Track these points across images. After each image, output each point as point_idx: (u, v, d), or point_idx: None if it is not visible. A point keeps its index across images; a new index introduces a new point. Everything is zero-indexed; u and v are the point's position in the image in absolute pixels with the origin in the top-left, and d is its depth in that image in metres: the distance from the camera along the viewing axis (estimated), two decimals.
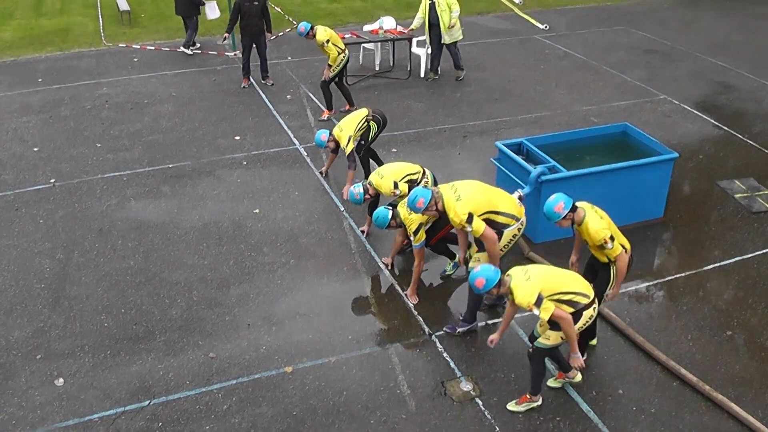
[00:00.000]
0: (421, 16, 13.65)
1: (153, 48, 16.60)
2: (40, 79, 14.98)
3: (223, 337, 7.25)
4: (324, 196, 9.85)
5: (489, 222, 6.85)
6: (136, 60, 15.74)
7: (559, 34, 17.33)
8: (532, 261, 8.30)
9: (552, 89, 13.71)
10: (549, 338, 6.09)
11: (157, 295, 7.87)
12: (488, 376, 6.71)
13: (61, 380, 6.78)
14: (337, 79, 12.14)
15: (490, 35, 17.10)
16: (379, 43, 14.61)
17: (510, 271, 6.09)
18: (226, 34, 13.72)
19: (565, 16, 19.17)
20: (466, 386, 6.61)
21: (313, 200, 9.75)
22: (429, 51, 14.17)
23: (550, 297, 5.84)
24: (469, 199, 6.85)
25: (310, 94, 13.43)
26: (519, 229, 7.08)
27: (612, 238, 6.27)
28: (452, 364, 6.87)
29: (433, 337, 7.20)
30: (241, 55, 13.96)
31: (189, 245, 8.76)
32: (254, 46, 13.53)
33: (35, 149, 11.60)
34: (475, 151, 11.08)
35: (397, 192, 8.04)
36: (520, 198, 8.37)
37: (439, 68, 14.09)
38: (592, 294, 6.06)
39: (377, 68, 14.78)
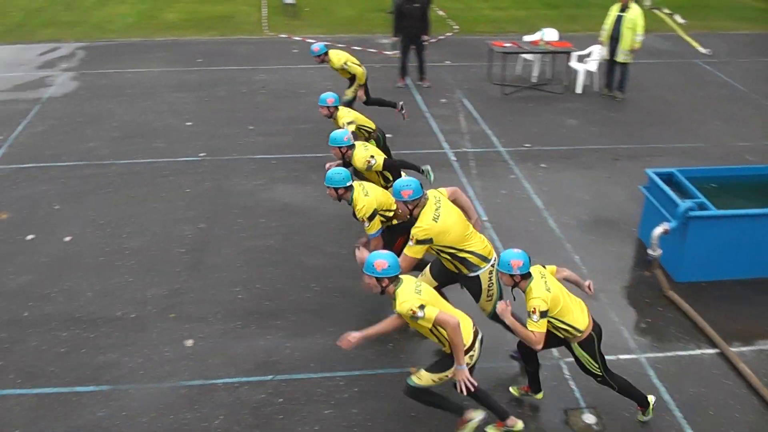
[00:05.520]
0: (606, 27, 13.64)
1: (314, 41, 17.26)
2: (199, 60, 15.93)
3: (353, 327, 7.38)
4: None
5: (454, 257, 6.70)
6: (295, 51, 16.46)
7: (721, 61, 16.77)
8: (670, 300, 8.09)
9: (708, 119, 13.28)
10: (420, 378, 5.89)
11: (293, 277, 8.18)
12: (614, 412, 6.52)
13: (191, 341, 7.17)
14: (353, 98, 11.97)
15: (650, 55, 16.71)
16: (539, 55, 14.73)
17: (402, 277, 5.81)
18: (394, 38, 14.18)
19: (728, 41, 18.50)
20: (589, 419, 6.46)
21: None
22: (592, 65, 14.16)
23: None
24: (449, 224, 6.48)
25: (465, 100, 13.68)
26: (491, 272, 6.68)
27: (544, 314, 5.75)
28: (577, 393, 6.75)
29: (562, 362, 7.13)
30: (400, 55, 14.39)
31: (329, 234, 9.06)
32: (413, 47, 13.96)
33: (188, 123, 12.35)
34: (625, 175, 10.87)
35: (372, 162, 8.13)
36: (665, 231, 8.19)
37: (613, 86, 14.07)
38: (472, 332, 5.81)
39: (534, 80, 14.85)
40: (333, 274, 8.27)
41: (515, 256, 5.77)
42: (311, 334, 7.33)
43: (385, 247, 7.07)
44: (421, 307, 5.54)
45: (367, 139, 9.75)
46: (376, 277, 5.67)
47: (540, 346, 5.82)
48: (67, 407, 6.49)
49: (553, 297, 5.78)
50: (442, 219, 6.42)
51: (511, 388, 6.69)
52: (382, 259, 5.69)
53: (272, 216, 9.41)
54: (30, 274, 8.39)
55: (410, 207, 6.53)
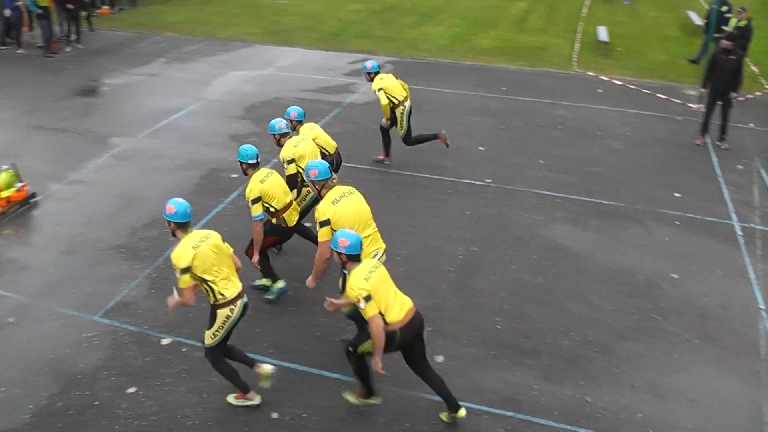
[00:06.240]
0: None
1: (620, 83, 17.09)
2: (503, 88, 16.32)
3: (604, 386, 7.27)
4: (746, 286, 9.21)
5: None
6: (600, 91, 16.35)
7: None
8: None
9: None
10: (207, 339, 6.54)
11: (555, 319, 8.16)
12: None
13: (441, 358, 7.42)
14: (388, 125, 11.61)
15: None
16: None
17: (194, 231, 6.46)
18: (702, 90, 13.58)
19: None
20: None
21: (734, 286, 9.20)
22: None
23: (199, 273, 6.26)
24: (343, 212, 7.01)
25: (762, 170, 12.70)
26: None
27: (368, 299, 6.00)
28: None
29: None
30: (704, 110, 13.74)
31: (599, 285, 8.91)
32: (720, 102, 13.28)
33: (480, 148, 12.72)
34: None
35: (285, 165, 8.66)
36: None
37: None
38: (235, 292, 6.41)
39: None
40: (595, 326, 8.12)
41: (345, 236, 6.24)
42: (561, 381, 7.26)
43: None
44: (184, 269, 6.15)
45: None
46: (167, 220, 6.34)
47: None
48: (310, 386, 7.05)
49: (371, 287, 6.06)
50: (341, 204, 7.07)
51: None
52: (172, 205, 6.35)
53: (545, 254, 9.44)
54: (299, 257, 9.15)
55: (318, 187, 7.26)
